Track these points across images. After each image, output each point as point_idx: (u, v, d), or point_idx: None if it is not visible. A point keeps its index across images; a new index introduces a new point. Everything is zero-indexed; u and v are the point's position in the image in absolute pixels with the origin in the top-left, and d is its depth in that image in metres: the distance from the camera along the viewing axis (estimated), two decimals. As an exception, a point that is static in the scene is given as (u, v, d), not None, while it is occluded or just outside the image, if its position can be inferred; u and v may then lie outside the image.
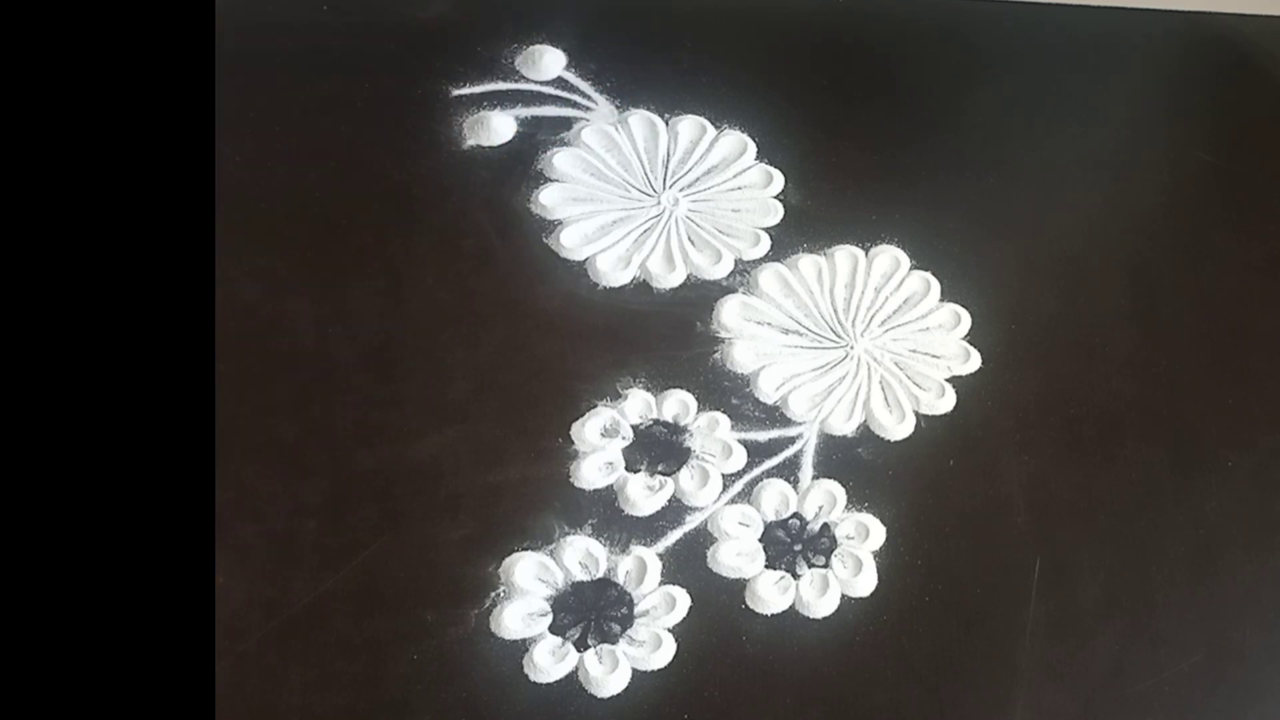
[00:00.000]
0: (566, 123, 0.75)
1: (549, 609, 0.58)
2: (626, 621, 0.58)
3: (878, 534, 0.61)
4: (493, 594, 0.58)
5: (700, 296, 0.69)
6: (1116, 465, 0.64)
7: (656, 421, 0.64)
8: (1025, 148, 0.77)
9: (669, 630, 0.58)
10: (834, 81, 0.79)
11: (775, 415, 0.65)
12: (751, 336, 0.67)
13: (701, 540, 0.61)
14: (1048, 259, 0.72)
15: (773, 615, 0.59)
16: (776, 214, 0.72)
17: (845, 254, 0.71)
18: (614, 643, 0.58)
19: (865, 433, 0.65)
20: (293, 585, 0.58)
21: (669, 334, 0.67)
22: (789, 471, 0.63)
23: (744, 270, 0.70)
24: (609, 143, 0.74)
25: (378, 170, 0.72)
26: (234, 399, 0.62)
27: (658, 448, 0.63)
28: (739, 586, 0.60)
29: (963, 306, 0.69)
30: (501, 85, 0.77)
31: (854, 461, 0.63)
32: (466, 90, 0.76)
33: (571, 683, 0.57)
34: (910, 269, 0.70)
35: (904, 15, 0.83)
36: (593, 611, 0.58)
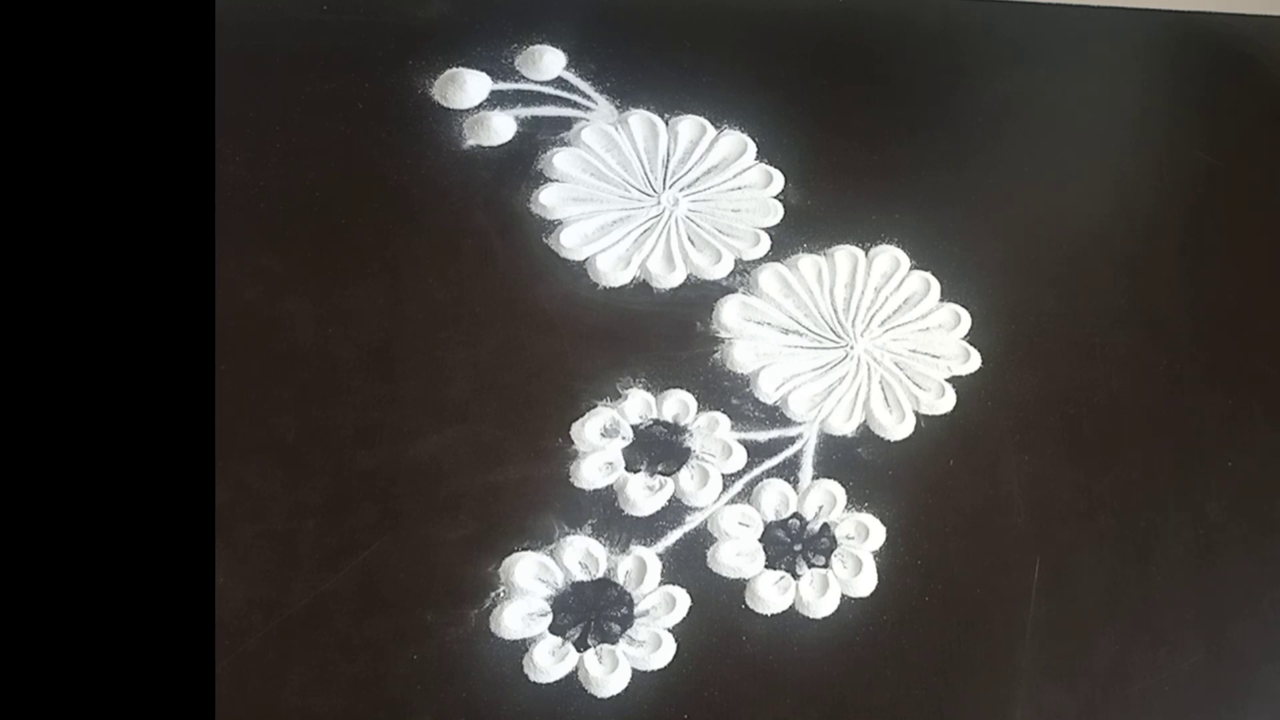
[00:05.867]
0: (566, 123, 0.75)
1: (549, 609, 0.58)
2: (626, 621, 0.58)
3: (878, 534, 0.61)
4: (493, 594, 0.58)
5: (700, 296, 0.69)
6: (1116, 465, 0.64)
7: (656, 421, 0.64)
8: (1025, 147, 0.77)
9: (669, 630, 0.58)
10: (834, 81, 0.79)
11: (775, 415, 0.65)
12: (751, 336, 0.67)
13: (701, 540, 0.61)
14: (1048, 259, 0.72)
15: (773, 615, 0.59)
16: (776, 214, 0.72)
17: (845, 254, 0.71)
18: (614, 643, 0.58)
19: (865, 433, 0.64)
20: (293, 585, 0.58)
21: (669, 334, 0.67)
22: (789, 471, 0.63)
23: (744, 270, 0.70)
24: (609, 143, 0.74)
25: (378, 170, 0.72)
26: (234, 399, 0.62)
27: (658, 448, 0.63)
28: (739, 586, 0.60)
29: (963, 306, 0.69)
30: (501, 85, 0.77)
31: (854, 461, 0.63)
32: (466, 90, 0.76)
33: (571, 683, 0.57)
34: (910, 269, 0.70)
35: (904, 15, 0.83)
36: (593, 611, 0.58)
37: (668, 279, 0.69)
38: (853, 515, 0.62)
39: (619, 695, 0.56)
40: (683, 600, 0.59)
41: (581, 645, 0.57)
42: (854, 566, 0.60)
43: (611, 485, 0.62)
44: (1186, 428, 0.66)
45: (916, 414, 0.65)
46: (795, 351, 0.67)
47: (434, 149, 0.74)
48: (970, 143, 0.76)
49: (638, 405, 0.64)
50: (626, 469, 0.62)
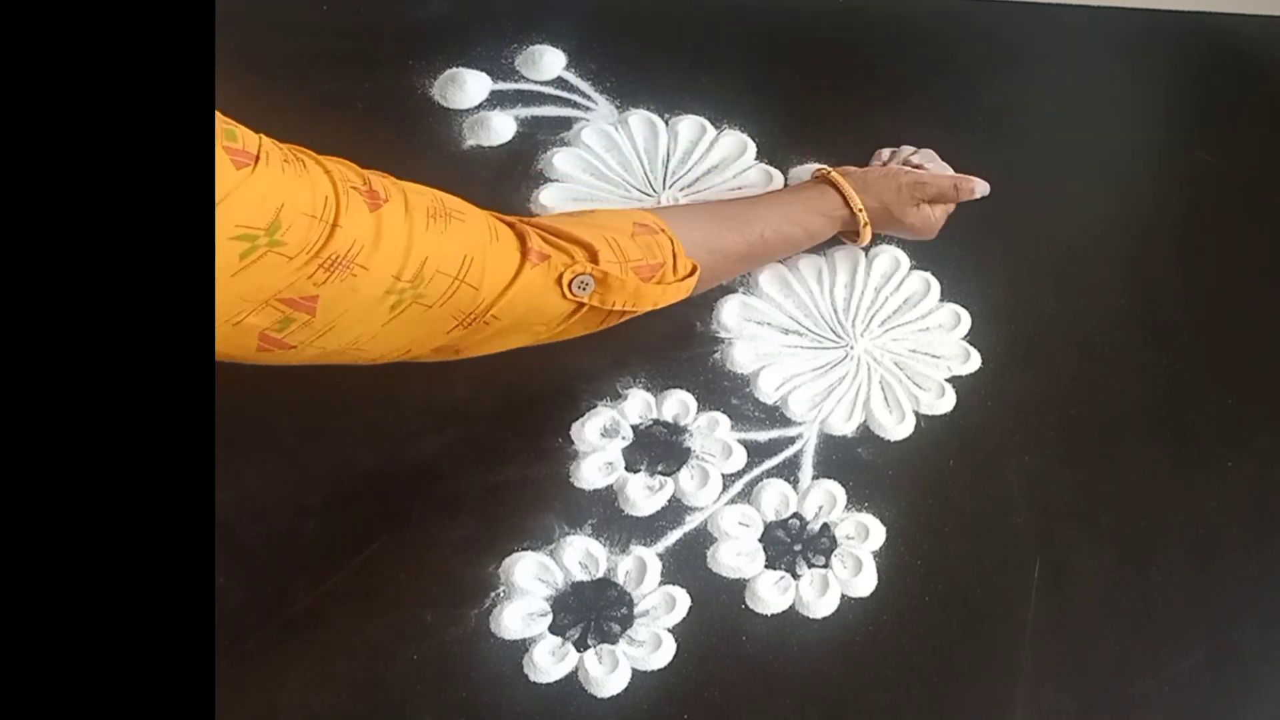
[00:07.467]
0: (566, 123, 0.75)
1: (549, 609, 0.58)
2: (626, 621, 0.58)
3: (878, 534, 0.61)
4: (493, 594, 0.58)
5: (700, 296, 0.68)
6: (1116, 465, 0.64)
7: (656, 421, 0.64)
8: (1025, 148, 0.77)
9: (669, 630, 0.58)
10: (834, 81, 0.79)
11: (775, 415, 0.65)
12: (751, 336, 0.67)
13: (701, 540, 0.61)
14: (1047, 259, 0.72)
15: (773, 615, 0.59)
16: (776, 214, 0.72)
17: (845, 254, 0.71)
18: (614, 643, 0.58)
19: (865, 433, 0.64)
20: (293, 585, 0.58)
21: (669, 334, 0.67)
22: (789, 471, 0.63)
23: (744, 270, 0.70)
24: (609, 143, 0.74)
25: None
26: (234, 399, 0.62)
27: (658, 448, 0.63)
28: (739, 586, 0.59)
29: (963, 306, 0.69)
30: (501, 85, 0.77)
31: (854, 461, 0.63)
32: (466, 90, 0.76)
33: (571, 683, 0.57)
34: (910, 269, 0.70)
35: (904, 15, 0.83)
36: (593, 611, 0.58)
37: (668, 279, 0.69)
38: (853, 515, 0.62)
39: (619, 695, 0.56)
40: (683, 600, 0.59)
41: (581, 645, 0.57)
42: (854, 566, 0.60)
43: (611, 485, 0.62)
44: (1186, 428, 0.66)
45: (916, 414, 0.65)
46: (795, 351, 0.67)
47: (434, 149, 0.73)
48: (970, 142, 0.76)
49: (638, 405, 0.64)
50: (626, 469, 0.62)
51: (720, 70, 0.78)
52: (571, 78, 0.77)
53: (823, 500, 0.62)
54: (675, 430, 0.64)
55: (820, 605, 0.59)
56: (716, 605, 0.59)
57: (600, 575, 0.59)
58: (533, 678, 0.56)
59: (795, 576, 0.60)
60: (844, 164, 0.70)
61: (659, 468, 0.63)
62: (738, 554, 0.60)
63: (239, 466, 0.61)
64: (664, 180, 0.73)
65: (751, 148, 0.75)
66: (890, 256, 0.71)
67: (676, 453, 0.63)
